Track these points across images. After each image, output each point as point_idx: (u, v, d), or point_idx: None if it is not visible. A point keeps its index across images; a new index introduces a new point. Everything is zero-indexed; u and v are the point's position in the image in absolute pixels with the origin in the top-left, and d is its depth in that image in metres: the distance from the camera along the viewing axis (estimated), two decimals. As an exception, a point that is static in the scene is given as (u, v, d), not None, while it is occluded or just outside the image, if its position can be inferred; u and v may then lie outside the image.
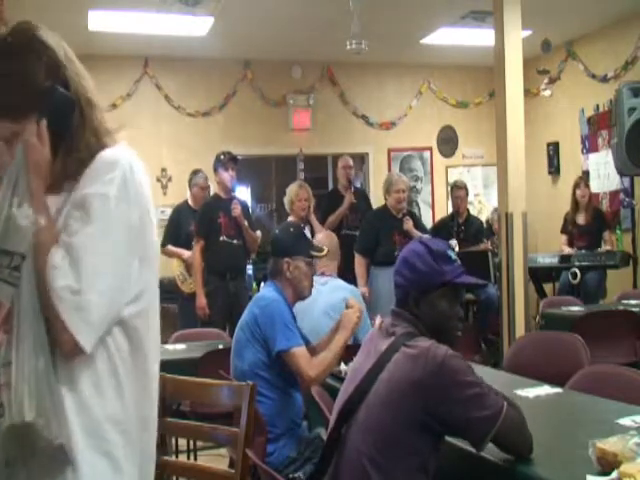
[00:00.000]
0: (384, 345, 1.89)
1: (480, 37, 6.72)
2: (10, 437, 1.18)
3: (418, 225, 5.69)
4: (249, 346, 2.80)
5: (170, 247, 6.06)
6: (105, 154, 1.32)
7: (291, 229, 3.07)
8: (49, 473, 1.24)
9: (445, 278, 1.91)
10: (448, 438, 1.88)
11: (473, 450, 1.79)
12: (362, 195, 6.57)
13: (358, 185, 6.67)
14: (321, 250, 3.00)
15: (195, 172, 6.27)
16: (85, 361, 1.26)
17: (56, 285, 1.21)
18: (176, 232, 6.06)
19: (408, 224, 5.48)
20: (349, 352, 2.94)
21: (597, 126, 7.20)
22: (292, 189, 5.75)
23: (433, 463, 1.81)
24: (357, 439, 1.83)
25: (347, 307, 3.12)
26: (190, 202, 6.19)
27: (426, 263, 1.92)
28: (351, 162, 6.38)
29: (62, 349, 1.24)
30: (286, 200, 5.76)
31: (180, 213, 6.16)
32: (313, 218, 5.78)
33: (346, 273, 5.03)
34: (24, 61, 1.29)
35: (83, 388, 1.26)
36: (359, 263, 5.50)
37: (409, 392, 1.76)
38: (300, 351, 2.72)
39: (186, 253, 5.86)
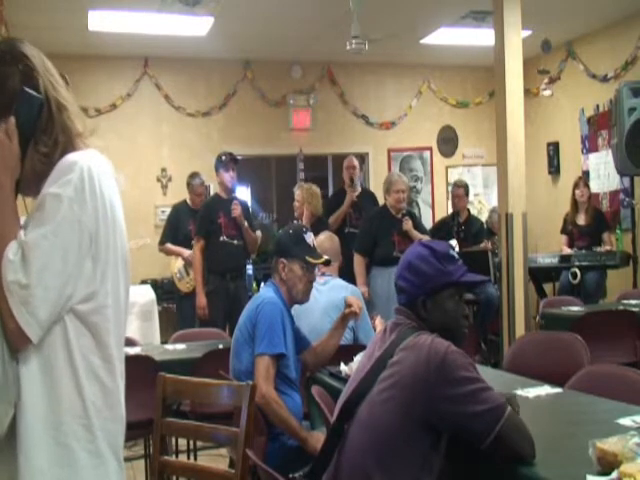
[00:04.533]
0: (387, 343, 1.89)
1: (480, 37, 6.72)
2: None
3: (418, 225, 5.68)
4: (246, 347, 2.80)
5: (169, 245, 6.08)
6: (67, 157, 1.38)
7: (290, 231, 3.07)
8: None
9: (452, 278, 1.94)
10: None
11: (473, 449, 1.79)
12: (368, 194, 6.54)
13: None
14: (319, 257, 2.99)
15: (192, 176, 6.27)
16: (42, 356, 1.33)
17: (7, 278, 1.29)
18: (174, 231, 6.07)
19: (407, 224, 5.46)
20: (348, 352, 2.95)
21: (597, 126, 7.19)
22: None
23: (438, 462, 1.80)
24: (359, 437, 1.83)
25: (346, 305, 3.13)
26: (189, 202, 6.21)
27: (431, 265, 1.94)
28: (355, 162, 6.37)
29: (9, 337, 1.31)
30: None
31: (179, 212, 6.17)
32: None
33: (347, 272, 5.02)
34: (2, 66, 1.39)
35: (40, 382, 1.32)
36: (358, 262, 5.49)
37: (412, 388, 1.76)
38: (268, 361, 2.70)
39: (185, 252, 5.88)
